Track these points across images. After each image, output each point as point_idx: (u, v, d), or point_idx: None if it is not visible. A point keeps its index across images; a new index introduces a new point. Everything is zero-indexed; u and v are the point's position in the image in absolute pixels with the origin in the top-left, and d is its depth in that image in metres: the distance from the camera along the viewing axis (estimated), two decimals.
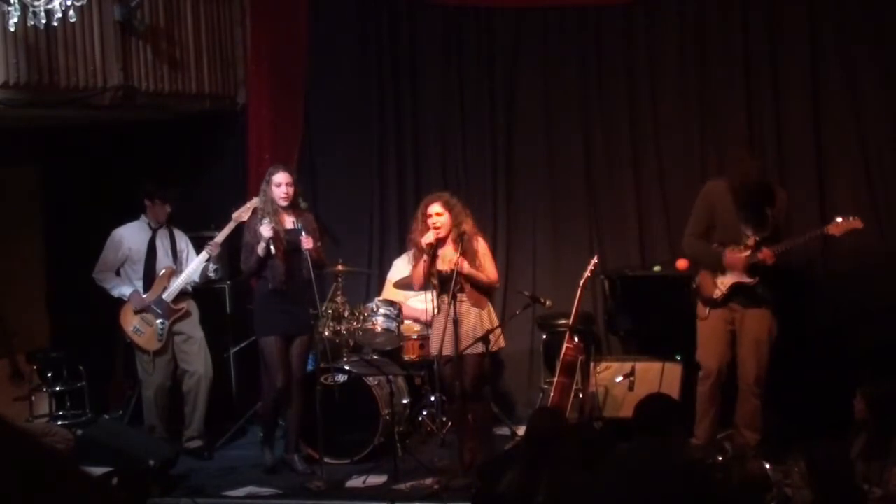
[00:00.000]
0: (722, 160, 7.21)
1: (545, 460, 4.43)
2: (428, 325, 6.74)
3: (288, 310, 6.47)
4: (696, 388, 6.52)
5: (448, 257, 6.21)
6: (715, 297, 6.38)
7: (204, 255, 7.03)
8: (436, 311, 6.38)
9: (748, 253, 6.26)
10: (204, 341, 7.20)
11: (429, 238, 6.18)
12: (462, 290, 6.20)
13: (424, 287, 6.41)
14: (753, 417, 6.37)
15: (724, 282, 6.35)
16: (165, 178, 7.33)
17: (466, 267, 6.14)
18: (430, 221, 6.22)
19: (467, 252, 6.18)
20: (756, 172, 6.33)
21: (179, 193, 7.33)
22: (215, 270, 7.17)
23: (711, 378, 6.40)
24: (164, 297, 7.07)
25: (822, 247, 7.17)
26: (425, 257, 6.22)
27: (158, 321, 7.05)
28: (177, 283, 7.09)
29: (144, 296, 7.08)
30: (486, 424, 6.48)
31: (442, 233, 6.22)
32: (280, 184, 6.46)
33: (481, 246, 6.31)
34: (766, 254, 6.19)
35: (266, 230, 6.33)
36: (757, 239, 6.25)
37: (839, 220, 6.24)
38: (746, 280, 6.29)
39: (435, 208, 6.24)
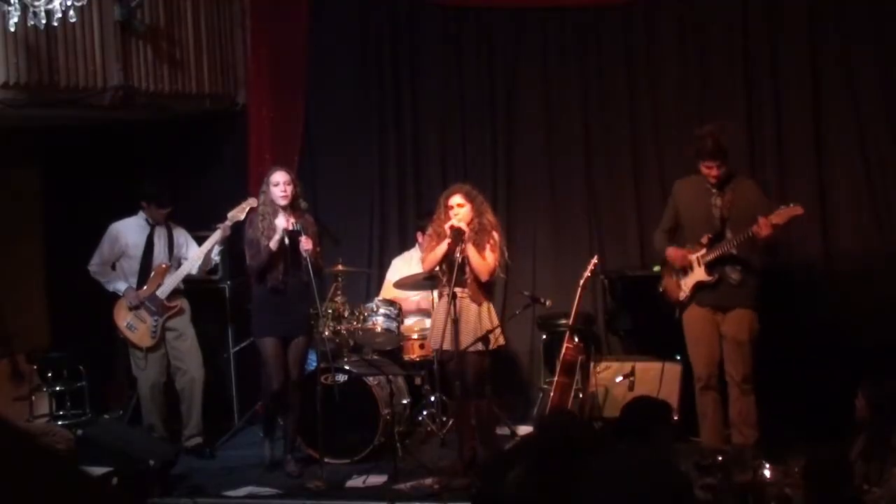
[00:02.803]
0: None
1: (550, 462, 4.42)
2: (427, 313, 6.68)
3: (285, 311, 6.47)
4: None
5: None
6: (681, 299, 6.47)
7: (214, 237, 6.97)
8: (437, 299, 6.38)
9: (702, 252, 6.29)
10: (196, 339, 7.20)
11: (454, 222, 6.17)
12: (464, 285, 6.20)
13: (431, 270, 6.39)
14: (748, 414, 6.36)
15: (687, 283, 6.43)
16: (163, 181, 7.30)
17: (467, 231, 6.11)
18: (451, 213, 6.22)
19: (478, 238, 6.17)
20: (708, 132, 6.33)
21: (175, 196, 7.31)
22: (220, 252, 7.17)
23: (703, 381, 6.44)
24: (157, 293, 7.06)
25: (822, 248, 7.22)
26: (448, 240, 6.19)
27: (152, 318, 7.05)
28: (173, 278, 7.08)
29: (139, 292, 7.08)
30: (488, 422, 6.48)
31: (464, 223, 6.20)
32: (278, 182, 6.46)
33: (494, 239, 6.28)
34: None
35: (282, 221, 6.36)
36: (710, 237, 6.30)
37: (781, 208, 6.17)
38: (705, 278, 6.32)
39: (456, 199, 6.25)
